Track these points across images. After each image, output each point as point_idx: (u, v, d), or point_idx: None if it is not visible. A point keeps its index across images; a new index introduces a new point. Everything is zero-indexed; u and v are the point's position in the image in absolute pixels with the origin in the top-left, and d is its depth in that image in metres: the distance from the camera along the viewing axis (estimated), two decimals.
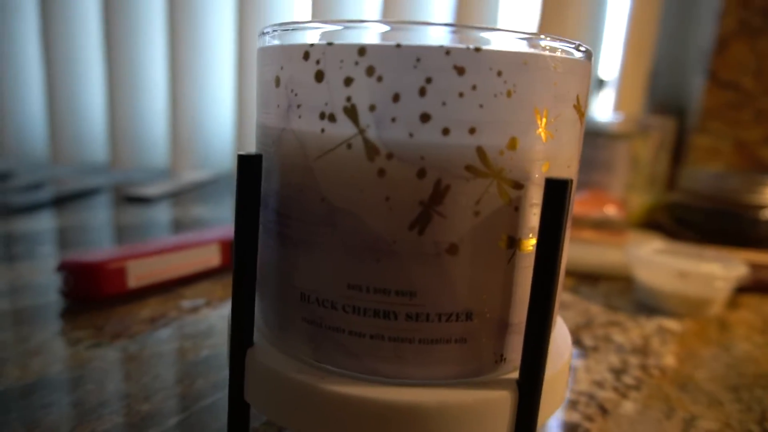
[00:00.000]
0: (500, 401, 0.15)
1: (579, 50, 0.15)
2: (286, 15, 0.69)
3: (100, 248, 0.40)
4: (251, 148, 0.63)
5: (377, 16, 0.67)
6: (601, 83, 0.68)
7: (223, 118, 0.74)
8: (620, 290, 0.38)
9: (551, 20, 0.60)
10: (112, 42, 0.69)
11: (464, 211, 0.14)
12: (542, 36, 0.14)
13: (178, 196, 0.62)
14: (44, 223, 0.47)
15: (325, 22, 0.14)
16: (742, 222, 0.45)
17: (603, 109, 0.66)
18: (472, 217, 0.14)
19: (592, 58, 0.16)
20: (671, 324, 0.33)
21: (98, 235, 0.44)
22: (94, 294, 0.29)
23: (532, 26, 0.63)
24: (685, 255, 0.37)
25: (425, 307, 0.15)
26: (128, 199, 0.58)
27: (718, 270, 0.33)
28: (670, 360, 0.28)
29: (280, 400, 0.15)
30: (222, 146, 0.75)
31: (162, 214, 0.53)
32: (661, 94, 0.68)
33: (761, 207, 0.44)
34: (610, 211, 0.44)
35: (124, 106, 0.71)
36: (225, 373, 0.23)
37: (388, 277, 0.14)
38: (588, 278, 0.41)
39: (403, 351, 0.15)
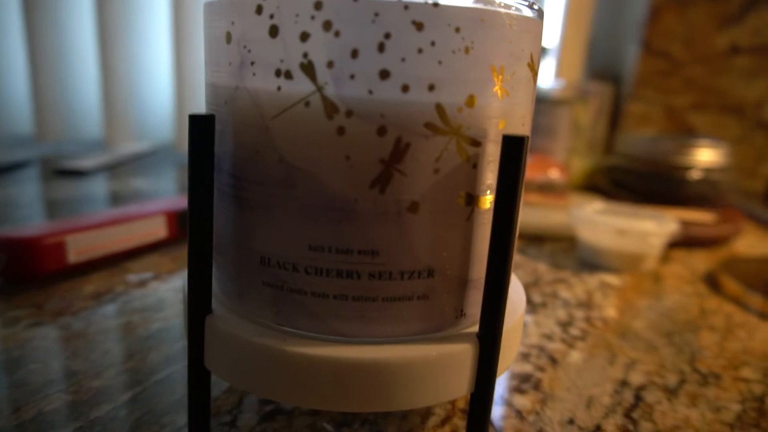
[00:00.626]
0: (462, 354, 0.15)
1: (532, 8, 0.15)
2: None
3: (34, 223, 0.37)
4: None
5: None
6: (543, 51, 0.69)
7: (160, 85, 0.70)
8: (564, 250, 0.40)
9: None
10: (32, 3, 0.64)
11: (424, 169, 0.14)
12: None
13: (115, 168, 0.59)
14: None
15: None
16: (672, 182, 0.48)
17: (545, 76, 0.67)
18: (432, 175, 0.14)
19: (543, 17, 0.16)
20: (611, 279, 0.35)
21: (29, 211, 0.41)
22: (31, 272, 0.27)
23: None
24: (623, 214, 0.39)
25: (388, 266, 0.15)
26: (60, 173, 0.55)
27: (652, 227, 0.35)
28: (611, 312, 0.30)
29: (244, 365, 0.15)
30: (160, 115, 0.71)
31: (99, 187, 0.50)
32: (599, 62, 0.71)
33: (689, 168, 0.47)
34: (554, 174, 0.46)
35: (49, 72, 0.66)
36: (178, 346, 0.23)
37: (350, 237, 0.14)
38: (534, 240, 0.42)
39: (367, 310, 0.15)
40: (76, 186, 0.50)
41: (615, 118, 0.66)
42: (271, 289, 0.15)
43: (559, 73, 0.65)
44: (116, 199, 0.47)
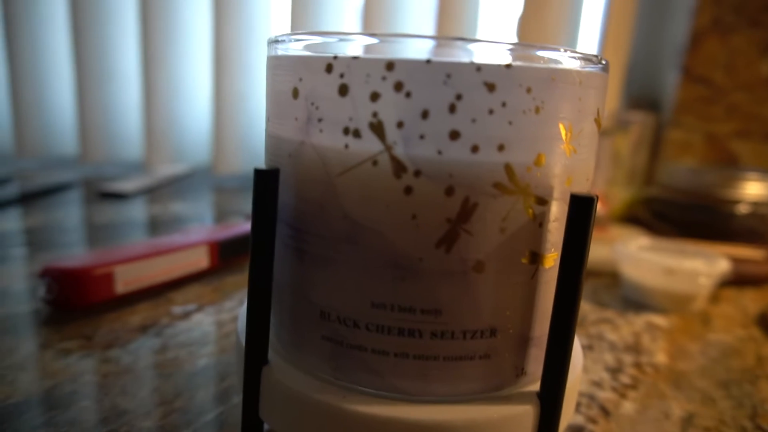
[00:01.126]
0: (524, 415, 0.15)
1: (600, 63, 0.15)
2: (265, 3, 0.67)
3: (83, 251, 0.38)
4: (229, 140, 0.61)
5: (357, 21, 0.66)
6: None
7: (198, 109, 0.72)
8: (607, 286, 0.39)
9: (531, 20, 0.60)
10: (80, 29, 0.66)
11: (491, 229, 0.14)
12: (566, 50, 0.14)
13: (154, 191, 0.61)
14: (13, 222, 0.45)
15: (347, 33, 0.14)
16: (717, 216, 0.46)
17: None
18: (498, 234, 0.14)
19: (608, 70, 0.16)
20: (658, 320, 0.34)
21: (73, 235, 0.42)
22: (81, 302, 0.28)
23: (512, 25, 0.63)
24: (669, 251, 0.38)
25: (450, 325, 0.14)
26: (102, 195, 0.56)
27: (701, 266, 0.34)
28: (661, 357, 0.28)
29: (301, 419, 0.15)
30: (198, 139, 0.73)
31: (139, 211, 0.51)
32: (637, 89, 0.70)
33: (736, 201, 0.46)
34: None
35: (94, 96, 0.68)
36: (225, 384, 0.23)
37: (413, 296, 0.14)
38: None
39: (428, 369, 0.15)
40: (117, 209, 0.51)
41: (656, 148, 0.65)
42: (330, 344, 0.15)
43: None
44: (156, 223, 0.48)
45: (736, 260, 0.40)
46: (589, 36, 0.65)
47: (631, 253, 0.36)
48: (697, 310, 0.36)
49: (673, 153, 0.64)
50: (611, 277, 0.41)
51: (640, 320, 0.33)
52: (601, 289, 0.39)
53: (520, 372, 0.16)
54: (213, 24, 0.63)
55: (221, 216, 0.52)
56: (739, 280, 0.41)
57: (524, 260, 0.15)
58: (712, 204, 0.46)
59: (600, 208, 0.45)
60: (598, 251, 0.41)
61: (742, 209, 0.45)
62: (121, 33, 0.69)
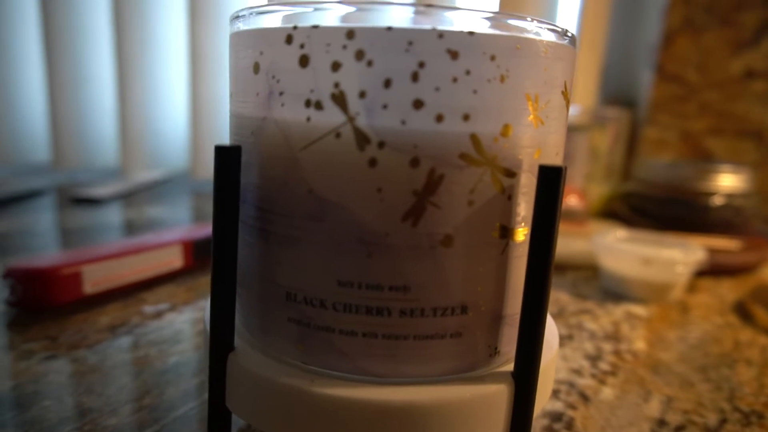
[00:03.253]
0: (497, 395, 0.15)
1: (566, 36, 0.15)
2: (240, 4, 0.66)
3: (50, 253, 0.37)
4: (206, 145, 0.60)
5: None
6: None
7: (175, 114, 0.71)
8: (586, 278, 0.39)
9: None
10: (52, 32, 0.65)
11: (458, 201, 0.14)
12: (529, 18, 0.14)
13: (130, 196, 0.59)
14: None
15: (307, 3, 0.14)
16: (693, 209, 0.47)
17: None
18: (466, 207, 0.14)
19: (576, 44, 0.16)
20: (638, 309, 0.34)
21: (45, 240, 0.41)
22: (46, 302, 0.27)
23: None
24: (647, 242, 0.38)
25: (420, 302, 0.14)
26: (75, 201, 0.55)
27: (678, 256, 0.34)
28: (640, 344, 0.28)
29: (268, 406, 0.15)
30: (175, 144, 0.72)
31: (114, 215, 0.50)
32: (613, 88, 0.70)
33: (711, 194, 0.46)
34: (573, 201, 0.45)
35: (67, 101, 0.67)
36: (196, 381, 0.22)
37: (380, 273, 0.14)
38: (555, 268, 0.41)
39: (397, 348, 0.14)
40: (91, 214, 0.50)
41: (632, 144, 0.66)
42: (297, 326, 0.15)
43: (575, 99, 0.65)
44: (131, 227, 0.47)
45: (712, 251, 0.41)
46: None
47: (608, 244, 0.36)
48: (675, 299, 0.36)
49: (650, 150, 0.65)
50: (591, 270, 0.41)
51: (619, 310, 0.33)
52: (581, 281, 0.38)
53: (493, 352, 0.15)
54: (188, 27, 0.63)
55: (200, 219, 0.51)
56: (715, 270, 0.41)
57: (494, 234, 0.14)
58: (688, 197, 0.47)
59: (578, 203, 0.45)
60: (577, 245, 0.41)
61: (717, 201, 0.46)
62: (94, 37, 0.68)
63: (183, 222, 0.49)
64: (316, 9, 0.13)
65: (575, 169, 0.51)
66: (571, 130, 0.53)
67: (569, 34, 0.15)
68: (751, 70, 0.64)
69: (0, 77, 0.69)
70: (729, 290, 0.39)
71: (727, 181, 0.46)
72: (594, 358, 0.26)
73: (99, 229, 0.45)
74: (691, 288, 0.38)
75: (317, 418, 0.14)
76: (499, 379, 0.15)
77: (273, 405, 0.15)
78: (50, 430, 0.18)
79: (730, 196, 0.46)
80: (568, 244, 0.42)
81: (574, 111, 0.57)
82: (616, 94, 0.70)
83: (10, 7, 0.69)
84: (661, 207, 0.49)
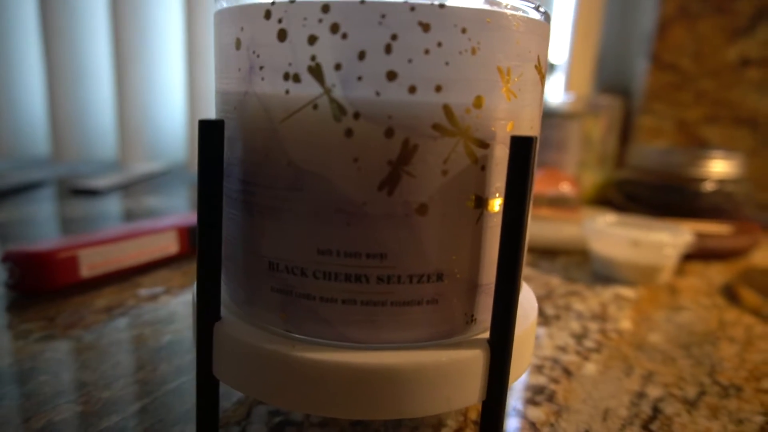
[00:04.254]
0: (473, 360, 0.15)
1: (539, 11, 0.15)
2: None
3: (48, 238, 0.38)
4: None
5: None
6: (551, 67, 0.70)
7: (173, 107, 0.71)
8: (577, 263, 0.40)
9: None
10: (50, 25, 0.65)
11: (433, 171, 0.14)
12: None
13: (128, 188, 0.60)
14: None
15: None
16: (686, 195, 0.47)
17: (555, 91, 0.68)
18: (441, 177, 0.14)
19: (550, 20, 0.17)
20: (626, 291, 0.34)
21: (44, 229, 0.41)
22: (43, 285, 0.28)
23: None
24: (637, 226, 0.38)
25: (396, 269, 0.14)
26: (75, 192, 0.56)
27: (666, 238, 0.35)
28: (626, 324, 0.29)
29: (252, 372, 0.15)
30: (173, 137, 0.73)
31: (113, 205, 0.51)
32: (608, 76, 0.71)
33: (703, 180, 0.47)
34: (565, 188, 0.45)
35: (66, 95, 0.67)
36: (189, 357, 0.23)
37: (358, 240, 0.14)
38: (546, 253, 0.42)
39: (376, 314, 0.15)
40: (90, 205, 0.51)
41: (626, 132, 0.66)
42: (279, 295, 0.15)
43: (569, 87, 0.65)
44: (129, 216, 0.47)
45: (703, 235, 0.41)
46: (560, 24, 0.66)
47: (598, 228, 0.37)
48: (663, 281, 0.36)
49: (644, 138, 0.65)
50: (582, 255, 0.41)
51: (607, 292, 0.34)
52: (572, 266, 0.39)
53: (470, 319, 0.16)
54: (185, 20, 0.63)
55: (195, 208, 0.52)
56: (706, 254, 0.41)
57: (469, 204, 0.15)
58: (680, 183, 0.47)
59: (571, 190, 0.46)
60: (568, 231, 0.42)
61: (709, 187, 0.46)
62: (92, 31, 0.69)
63: (180, 211, 0.50)
64: None
65: (568, 156, 0.51)
66: (565, 117, 0.53)
67: (542, 10, 0.15)
68: (747, 57, 0.64)
69: (0, 73, 0.69)
70: (718, 274, 0.39)
71: (719, 168, 0.47)
72: (579, 337, 0.27)
73: (98, 219, 0.45)
74: (681, 271, 0.39)
75: (299, 382, 0.15)
76: (475, 345, 0.15)
77: (257, 371, 0.15)
78: (47, 402, 0.19)
79: (721, 182, 0.46)
80: (559, 229, 0.42)
81: (568, 99, 0.57)
82: (610, 82, 0.70)
83: (9, 3, 0.69)
84: (653, 193, 0.49)
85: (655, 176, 0.49)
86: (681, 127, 0.66)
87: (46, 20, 0.65)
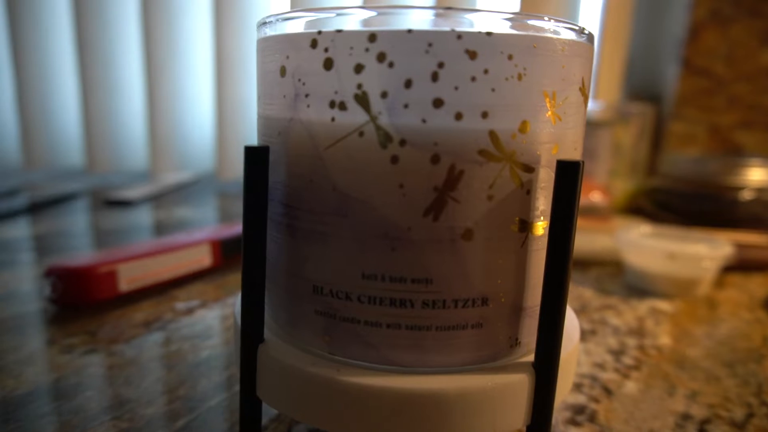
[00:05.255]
0: (518, 385, 0.15)
1: (583, 33, 0.15)
2: (264, 11, 0.68)
3: (86, 252, 0.39)
4: (232, 147, 0.62)
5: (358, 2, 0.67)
6: None
7: (202, 117, 0.73)
8: (610, 275, 0.39)
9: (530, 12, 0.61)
10: (84, 42, 0.67)
11: (478, 196, 0.14)
12: (548, 18, 0.14)
13: (159, 198, 0.61)
14: (21, 230, 0.45)
15: (330, 9, 0.14)
16: (721, 204, 0.46)
17: None
18: (486, 202, 0.14)
19: (593, 41, 0.16)
20: (663, 305, 0.33)
21: (80, 241, 0.43)
22: (84, 299, 0.28)
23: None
24: (672, 237, 0.37)
25: (441, 294, 0.14)
26: (108, 203, 0.57)
27: (704, 250, 0.34)
28: (665, 339, 0.28)
29: (296, 395, 0.15)
30: (202, 146, 0.74)
31: (144, 217, 0.52)
32: (637, 82, 0.70)
33: (739, 188, 0.45)
34: (596, 197, 0.45)
35: (98, 107, 0.69)
36: (228, 373, 0.23)
37: (403, 265, 0.14)
38: (578, 264, 0.41)
39: (421, 339, 0.15)
40: (123, 216, 0.52)
41: (657, 139, 0.65)
42: (323, 318, 0.15)
43: (598, 94, 0.64)
44: (161, 227, 0.48)
45: (741, 246, 0.40)
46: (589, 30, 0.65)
47: (633, 240, 0.36)
48: (701, 294, 0.35)
49: (676, 145, 0.64)
50: (615, 267, 0.41)
51: (643, 306, 0.33)
52: (605, 277, 0.38)
53: (514, 342, 0.16)
54: (214, 32, 0.64)
55: (226, 219, 0.52)
56: (744, 265, 0.40)
57: (513, 228, 0.15)
58: (715, 192, 0.46)
59: (602, 199, 0.45)
60: (600, 241, 0.41)
61: (746, 196, 0.45)
62: (124, 44, 0.70)
63: (210, 222, 0.51)
64: (338, 14, 0.14)
65: (599, 164, 0.50)
66: (595, 125, 0.52)
67: (586, 32, 0.15)
68: None
69: (36, 87, 0.72)
70: (759, 286, 0.38)
71: (756, 175, 0.46)
72: (617, 353, 0.26)
73: (130, 230, 0.46)
74: (719, 284, 0.38)
75: (344, 405, 0.15)
76: (520, 369, 0.15)
77: (301, 393, 0.15)
78: (92, 419, 0.20)
79: (759, 190, 0.45)
80: (591, 240, 0.41)
81: (598, 106, 0.56)
82: (640, 88, 0.69)
83: (45, 19, 0.72)
84: (687, 202, 0.48)
85: (687, 184, 0.48)
86: (714, 133, 0.64)
87: (80, 35, 0.67)
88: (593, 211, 0.45)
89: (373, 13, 0.14)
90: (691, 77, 0.64)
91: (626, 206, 0.55)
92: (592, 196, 0.45)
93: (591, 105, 0.59)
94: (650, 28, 0.69)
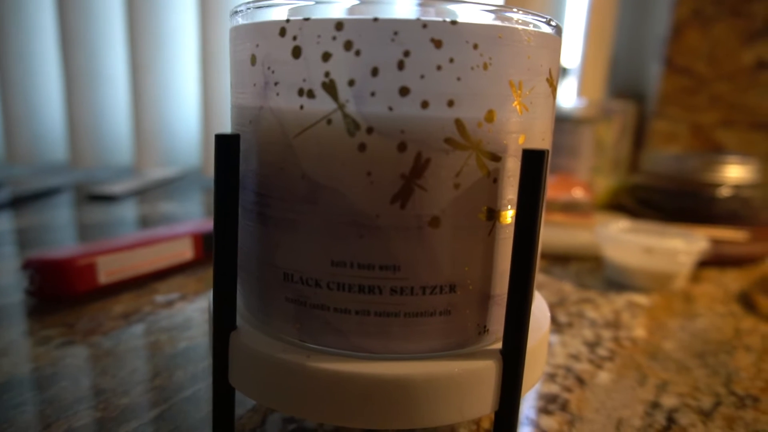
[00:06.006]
0: (485, 371, 0.15)
1: (550, 24, 0.15)
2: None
3: (67, 246, 0.38)
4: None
5: None
6: (564, 72, 0.69)
7: (188, 112, 0.72)
8: (590, 270, 0.39)
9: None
10: (68, 35, 0.67)
11: (445, 184, 0.14)
12: (514, 9, 0.14)
13: (144, 193, 0.61)
14: (3, 224, 0.45)
15: None
16: (700, 200, 0.46)
17: (567, 96, 0.67)
18: (453, 190, 0.14)
19: (562, 34, 0.17)
20: (640, 299, 0.34)
21: (62, 234, 0.42)
22: (63, 292, 0.28)
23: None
24: (650, 232, 0.38)
25: (409, 281, 0.15)
26: (92, 198, 0.56)
27: (681, 245, 0.35)
28: (640, 332, 0.29)
29: (267, 381, 0.15)
30: (188, 142, 0.73)
31: (128, 211, 0.52)
32: (621, 81, 0.70)
33: (718, 185, 0.46)
34: (578, 194, 0.45)
35: (83, 102, 0.69)
36: (205, 364, 0.23)
37: (371, 252, 0.14)
38: (559, 259, 0.42)
39: (389, 325, 0.15)
40: (107, 210, 0.51)
41: (639, 137, 0.65)
42: (294, 305, 0.16)
43: (582, 92, 0.65)
44: (145, 222, 0.48)
45: (718, 242, 0.41)
46: (573, 28, 0.66)
47: (611, 234, 0.36)
48: (678, 288, 0.36)
49: (658, 143, 0.65)
50: (595, 262, 0.41)
51: (621, 299, 0.34)
52: (585, 272, 0.39)
53: (482, 330, 0.16)
54: (199, 27, 0.64)
55: (211, 214, 0.52)
56: (721, 260, 0.41)
57: (481, 216, 0.15)
58: (695, 189, 0.47)
59: (583, 195, 0.46)
60: (581, 236, 0.42)
61: (724, 192, 0.46)
62: (108, 37, 0.70)
63: (195, 217, 0.51)
64: (307, 3, 0.14)
65: (581, 161, 0.51)
66: (578, 122, 0.53)
67: (553, 24, 0.16)
68: (763, 60, 0.63)
69: (19, 82, 0.71)
70: (734, 281, 0.39)
71: (735, 173, 0.46)
72: (592, 345, 0.27)
73: (114, 225, 0.46)
74: (696, 278, 0.38)
75: (313, 392, 0.15)
76: (487, 355, 0.16)
77: (272, 380, 0.15)
78: (67, 408, 0.20)
79: (737, 187, 0.46)
80: (572, 235, 0.42)
81: (581, 104, 0.57)
82: (624, 86, 0.70)
83: (27, 11, 0.71)
84: (667, 199, 0.49)
85: (669, 181, 0.49)
86: (696, 131, 0.65)
87: (64, 28, 0.67)
88: (575, 208, 0.45)
89: (340, 1, 0.14)
90: (673, 76, 0.64)
91: (608, 203, 0.55)
92: (573, 192, 0.45)
93: (575, 102, 0.59)
94: (634, 27, 0.70)
